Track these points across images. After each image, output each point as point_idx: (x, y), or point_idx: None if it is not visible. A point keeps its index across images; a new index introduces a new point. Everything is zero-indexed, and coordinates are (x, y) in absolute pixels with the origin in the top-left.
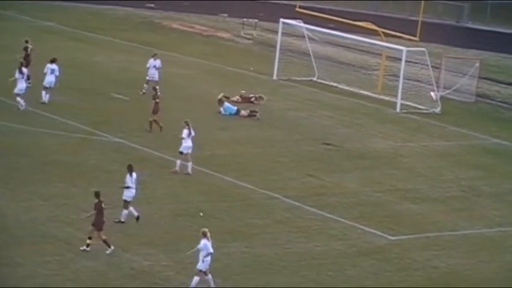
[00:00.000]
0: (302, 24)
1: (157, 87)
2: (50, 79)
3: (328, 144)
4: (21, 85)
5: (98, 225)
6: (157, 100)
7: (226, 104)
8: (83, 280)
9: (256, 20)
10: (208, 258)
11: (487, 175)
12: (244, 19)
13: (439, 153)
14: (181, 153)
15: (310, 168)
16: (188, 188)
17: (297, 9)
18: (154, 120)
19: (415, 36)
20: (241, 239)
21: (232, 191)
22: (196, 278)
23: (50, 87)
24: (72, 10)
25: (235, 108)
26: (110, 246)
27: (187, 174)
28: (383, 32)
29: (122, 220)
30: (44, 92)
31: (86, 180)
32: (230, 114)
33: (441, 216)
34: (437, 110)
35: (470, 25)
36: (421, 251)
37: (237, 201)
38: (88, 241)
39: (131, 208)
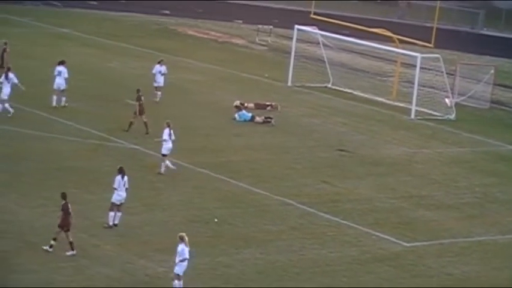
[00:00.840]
0: (317, 31)
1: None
2: (57, 81)
3: (342, 150)
4: (6, 90)
5: (65, 226)
6: (141, 102)
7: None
8: (98, 286)
9: (271, 27)
10: (184, 263)
11: (501, 182)
12: (259, 25)
13: (453, 160)
14: (164, 155)
15: (325, 174)
16: (203, 194)
17: (312, 15)
18: (144, 122)
19: (429, 42)
20: (255, 246)
21: (247, 197)
22: (176, 282)
23: (58, 89)
24: (88, 17)
25: (250, 114)
26: (73, 249)
27: (160, 173)
28: (397, 39)
29: (110, 224)
30: (54, 97)
31: (100, 187)
32: (245, 120)
33: (455, 223)
34: (452, 116)
35: (485, 31)
36: (436, 257)
37: (251, 207)
38: (52, 242)
39: (112, 213)
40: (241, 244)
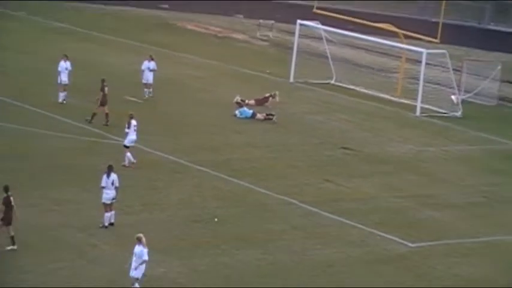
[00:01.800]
0: (320, 26)
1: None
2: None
3: (346, 148)
4: None
5: (6, 220)
6: (104, 92)
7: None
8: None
9: (272, 21)
10: (143, 266)
11: (509, 181)
12: (261, 20)
13: (460, 158)
14: (127, 146)
15: (328, 173)
16: (202, 193)
17: (315, 10)
18: (106, 113)
19: (435, 38)
20: (256, 246)
21: (248, 196)
22: (136, 285)
23: (64, 84)
24: (84, 11)
25: (251, 111)
26: (14, 244)
27: (124, 166)
28: (403, 34)
29: (106, 224)
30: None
31: (97, 185)
32: (246, 117)
33: (462, 223)
34: (458, 113)
35: (492, 27)
36: (442, 258)
37: (252, 206)
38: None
39: (108, 213)
40: (242, 244)
